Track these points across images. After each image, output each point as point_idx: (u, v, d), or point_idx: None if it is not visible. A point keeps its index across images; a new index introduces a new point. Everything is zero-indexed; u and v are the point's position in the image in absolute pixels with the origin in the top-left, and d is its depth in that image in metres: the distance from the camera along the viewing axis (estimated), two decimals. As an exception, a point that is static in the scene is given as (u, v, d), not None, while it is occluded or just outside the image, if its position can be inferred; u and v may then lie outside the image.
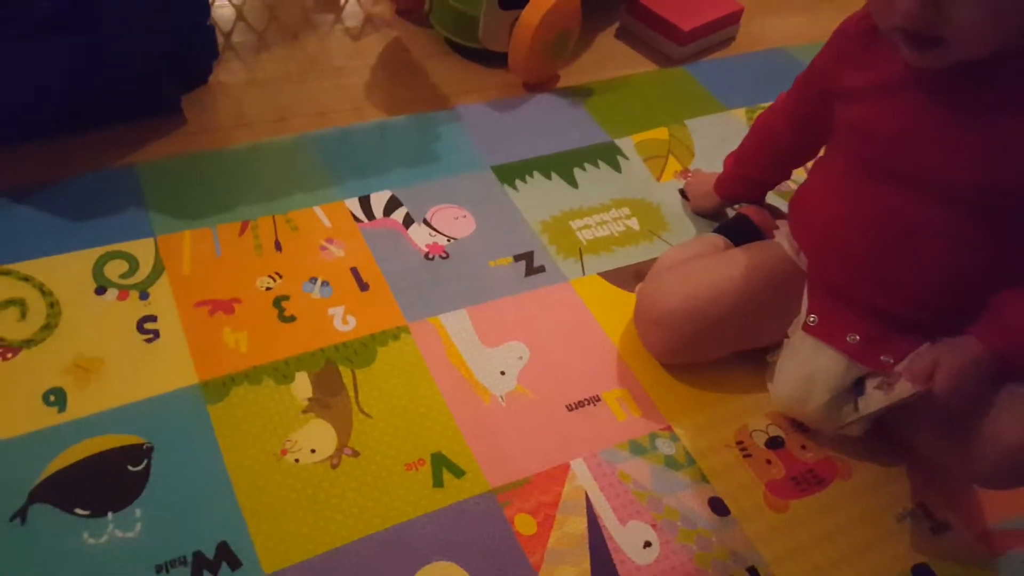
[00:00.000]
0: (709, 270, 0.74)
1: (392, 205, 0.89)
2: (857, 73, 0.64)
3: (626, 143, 1.01)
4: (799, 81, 0.75)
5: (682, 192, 0.96)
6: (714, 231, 0.86)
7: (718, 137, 1.04)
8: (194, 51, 0.96)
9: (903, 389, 0.64)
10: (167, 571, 0.58)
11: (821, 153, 0.74)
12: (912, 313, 0.65)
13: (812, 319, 0.70)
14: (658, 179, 0.98)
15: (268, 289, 0.78)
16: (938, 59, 0.56)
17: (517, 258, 0.86)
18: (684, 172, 0.99)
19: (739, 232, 0.83)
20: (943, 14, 0.52)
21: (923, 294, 0.64)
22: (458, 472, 0.67)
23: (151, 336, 0.72)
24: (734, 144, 0.89)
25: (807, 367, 0.69)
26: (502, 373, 0.75)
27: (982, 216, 0.60)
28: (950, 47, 0.54)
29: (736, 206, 0.91)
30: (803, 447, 0.73)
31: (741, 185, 0.88)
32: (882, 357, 0.66)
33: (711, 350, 0.76)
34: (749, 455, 0.72)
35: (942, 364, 0.61)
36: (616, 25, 1.21)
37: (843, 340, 0.67)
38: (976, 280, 0.63)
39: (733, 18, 1.20)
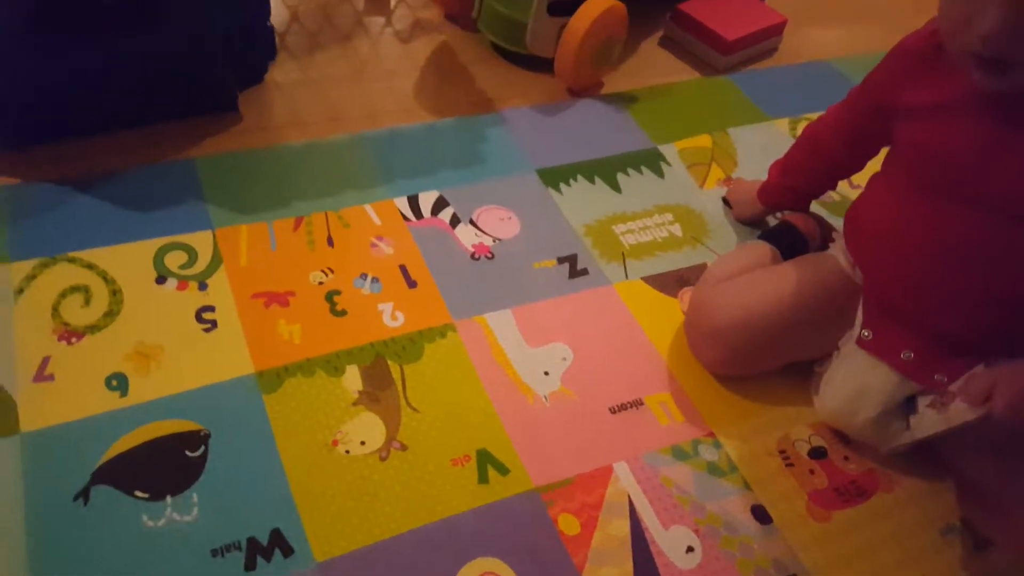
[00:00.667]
0: (763, 283, 0.74)
1: (440, 205, 0.90)
2: (919, 91, 0.64)
3: (669, 150, 1.02)
4: (854, 95, 0.75)
5: (725, 200, 0.96)
6: (760, 237, 0.86)
7: (761, 146, 1.04)
8: (253, 50, 0.98)
9: (960, 413, 0.63)
10: (223, 555, 0.60)
11: (878, 168, 0.74)
12: (968, 333, 0.65)
13: (866, 334, 0.69)
14: (701, 186, 0.98)
15: (320, 283, 0.80)
16: (1010, 83, 0.55)
17: (561, 260, 0.87)
18: (727, 180, 0.99)
19: (786, 239, 0.84)
20: None
21: (980, 314, 0.64)
22: (503, 470, 0.68)
23: (209, 326, 0.74)
24: (776, 154, 0.89)
25: (858, 381, 0.69)
26: (546, 373, 0.76)
27: None
28: (1023, 72, 0.54)
29: (779, 214, 0.92)
30: (846, 458, 0.73)
31: (786, 195, 0.88)
32: (936, 376, 0.66)
33: (763, 363, 0.76)
34: (792, 464, 0.72)
35: (1001, 387, 0.60)
36: (660, 33, 1.22)
37: (897, 357, 0.67)
38: None
39: (776, 29, 1.21)
